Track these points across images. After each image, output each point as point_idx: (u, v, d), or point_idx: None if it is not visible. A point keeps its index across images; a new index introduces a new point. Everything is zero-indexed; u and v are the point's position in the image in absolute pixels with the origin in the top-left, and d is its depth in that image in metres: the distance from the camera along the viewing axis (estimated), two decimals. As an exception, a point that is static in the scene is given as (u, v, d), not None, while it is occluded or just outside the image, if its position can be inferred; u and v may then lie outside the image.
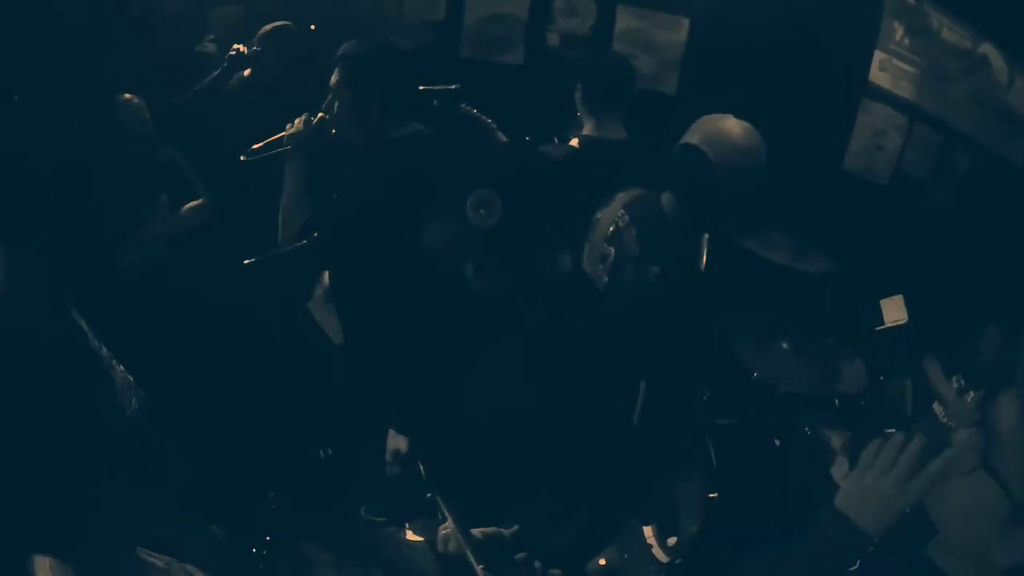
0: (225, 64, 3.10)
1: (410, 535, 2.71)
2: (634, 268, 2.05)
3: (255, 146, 2.35)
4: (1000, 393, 2.13)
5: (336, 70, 2.26)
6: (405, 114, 2.30)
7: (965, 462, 2.02)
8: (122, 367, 2.01)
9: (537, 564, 1.40)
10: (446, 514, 1.50)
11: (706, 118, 2.07)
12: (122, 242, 2.79)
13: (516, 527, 1.55)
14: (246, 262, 2.11)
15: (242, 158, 2.36)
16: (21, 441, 1.51)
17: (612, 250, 2.11)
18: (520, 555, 1.42)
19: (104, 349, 1.96)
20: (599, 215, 2.18)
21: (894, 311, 2.89)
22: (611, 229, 2.12)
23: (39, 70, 2.95)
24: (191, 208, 2.93)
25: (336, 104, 2.26)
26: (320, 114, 2.29)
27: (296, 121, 2.31)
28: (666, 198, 2.08)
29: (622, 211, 2.13)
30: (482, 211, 1.54)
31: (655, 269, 2.02)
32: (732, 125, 2.02)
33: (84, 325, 1.89)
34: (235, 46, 3.11)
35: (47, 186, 2.49)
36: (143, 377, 2.04)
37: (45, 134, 2.72)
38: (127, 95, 2.94)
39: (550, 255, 1.75)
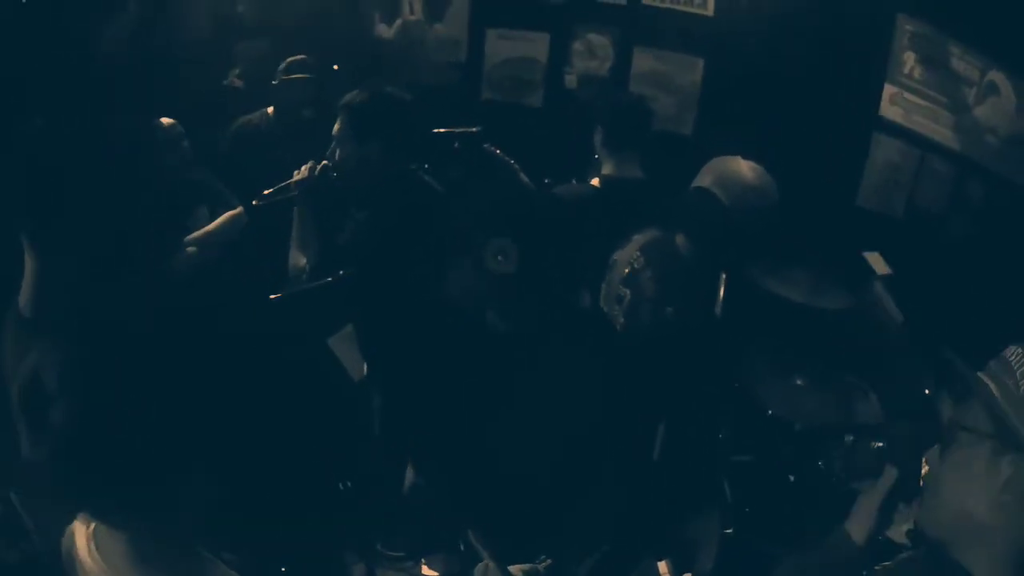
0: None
1: (425, 570, 2.73)
2: (650, 309, 2.09)
3: (266, 192, 2.46)
4: None
5: (338, 118, 2.38)
6: (410, 160, 2.38)
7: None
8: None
9: None
10: (481, 552, 1.53)
11: (715, 160, 2.12)
12: (169, 252, 2.89)
13: (548, 560, 1.59)
14: (272, 297, 2.19)
15: (255, 203, 2.47)
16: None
17: (628, 292, 2.15)
18: None
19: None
20: (616, 256, 2.22)
21: (879, 264, 2.88)
22: (627, 271, 2.16)
23: (74, 94, 3.06)
24: (229, 216, 3.05)
25: (338, 151, 2.38)
26: (324, 161, 2.41)
27: (303, 167, 2.44)
28: (680, 239, 2.12)
29: (638, 253, 2.17)
30: (500, 259, 1.60)
31: (671, 310, 2.05)
32: (742, 166, 2.07)
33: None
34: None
35: (84, 201, 2.59)
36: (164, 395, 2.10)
37: (81, 152, 2.83)
38: (165, 119, 3.05)
39: (569, 295, 1.80)
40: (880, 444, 2.16)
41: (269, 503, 2.54)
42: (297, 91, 3.17)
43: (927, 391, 2.40)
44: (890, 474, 1.36)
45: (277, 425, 2.64)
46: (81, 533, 1.11)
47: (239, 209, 3.07)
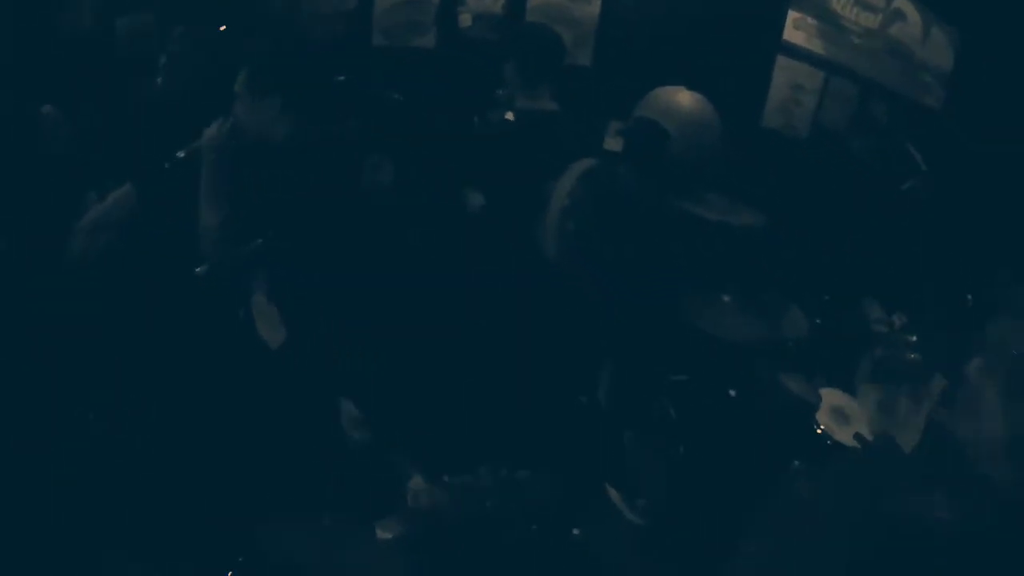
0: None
1: (380, 533, 2.68)
2: (589, 239, 2.07)
3: (179, 153, 2.44)
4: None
5: (239, 75, 2.39)
6: (312, 111, 2.35)
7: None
8: None
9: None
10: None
11: (659, 90, 2.09)
12: (66, 237, 2.75)
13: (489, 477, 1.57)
14: (197, 270, 2.15)
15: (166, 165, 2.40)
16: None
17: (569, 222, 2.13)
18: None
19: None
20: (554, 187, 2.19)
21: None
22: (567, 202, 2.13)
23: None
24: (118, 195, 2.92)
25: (240, 108, 2.39)
26: (231, 118, 2.41)
27: (212, 126, 2.43)
28: (620, 169, 2.11)
29: (576, 182, 2.15)
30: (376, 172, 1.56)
31: (614, 241, 2.04)
32: (686, 97, 2.05)
33: None
34: None
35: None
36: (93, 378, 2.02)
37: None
38: (46, 106, 2.89)
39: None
40: (915, 354, 2.21)
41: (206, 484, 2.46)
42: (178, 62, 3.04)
43: (967, 300, 2.46)
44: (939, 383, 1.36)
45: (212, 401, 2.55)
46: None
47: (126, 186, 2.94)
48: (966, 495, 1.20)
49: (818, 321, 2.91)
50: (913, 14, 3.47)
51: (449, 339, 2.03)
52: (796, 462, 2.35)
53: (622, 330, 2.23)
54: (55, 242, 2.76)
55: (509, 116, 2.50)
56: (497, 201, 2.47)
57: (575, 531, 2.68)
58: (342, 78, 2.56)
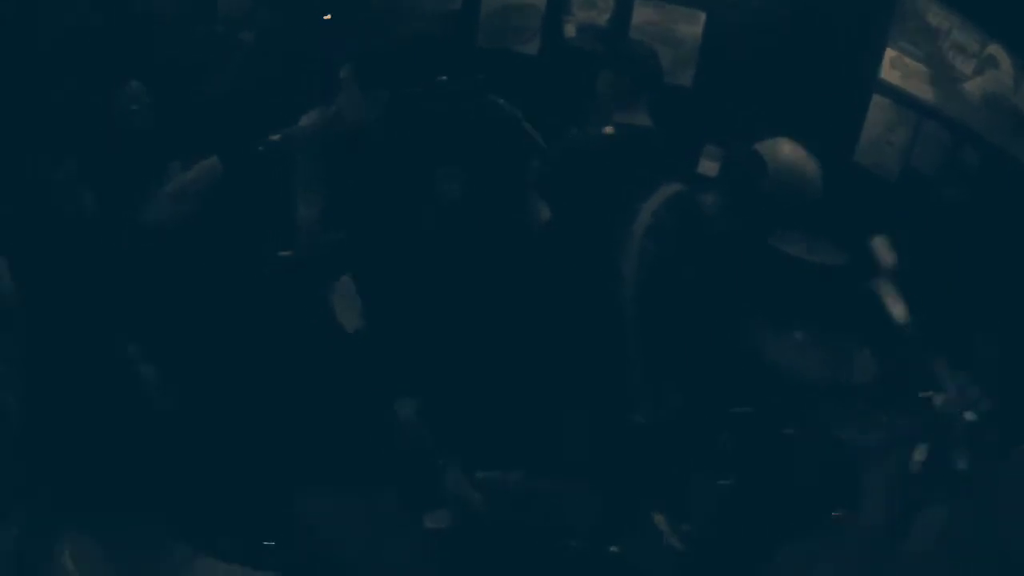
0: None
1: (429, 522, 2.74)
2: (669, 265, 2.08)
3: (273, 136, 2.42)
4: None
5: (344, 65, 2.39)
6: (415, 107, 2.38)
7: None
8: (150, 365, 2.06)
9: None
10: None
11: (779, 138, 2.12)
12: (144, 203, 2.83)
13: (520, 474, 1.61)
14: (283, 254, 2.20)
15: (260, 148, 2.44)
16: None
17: (649, 244, 2.14)
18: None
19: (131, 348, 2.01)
20: (640, 208, 2.20)
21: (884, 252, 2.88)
22: (651, 222, 2.14)
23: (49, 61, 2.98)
24: (202, 165, 2.98)
25: (345, 98, 2.40)
26: (333, 108, 2.42)
27: (311, 113, 2.46)
28: (709, 197, 2.12)
29: (662, 207, 2.16)
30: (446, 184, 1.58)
31: (690, 268, 2.04)
32: (799, 150, 2.08)
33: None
34: None
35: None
36: (163, 356, 2.09)
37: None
38: (133, 82, 2.98)
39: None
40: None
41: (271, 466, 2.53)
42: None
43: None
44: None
45: (271, 383, 2.63)
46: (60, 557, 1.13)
47: (213, 159, 3.01)
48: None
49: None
50: (1005, 61, 3.36)
51: (514, 347, 2.06)
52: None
53: (688, 356, 2.22)
54: (138, 207, 2.85)
55: (609, 130, 2.49)
56: (579, 216, 2.47)
57: (613, 548, 2.69)
58: (444, 78, 2.57)
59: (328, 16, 3.26)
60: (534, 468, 1.91)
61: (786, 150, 2.05)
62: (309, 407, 2.62)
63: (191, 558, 1.56)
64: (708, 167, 3.26)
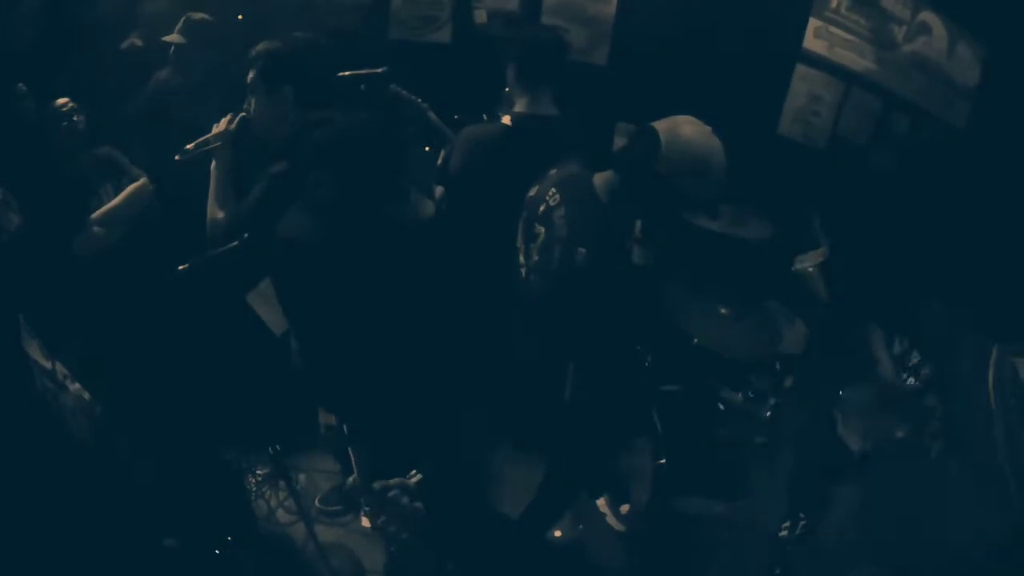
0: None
1: (365, 521, 2.73)
2: (561, 249, 2.03)
3: (188, 146, 2.43)
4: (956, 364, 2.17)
5: (250, 68, 2.37)
6: (323, 104, 2.34)
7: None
8: (77, 385, 2.02)
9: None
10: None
11: (682, 116, 1.99)
12: (76, 231, 2.79)
13: (418, 475, 1.59)
14: (180, 268, 2.16)
15: (176, 158, 2.42)
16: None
17: (542, 229, 2.10)
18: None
19: (57, 366, 1.96)
20: (532, 192, 2.17)
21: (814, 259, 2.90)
22: (542, 208, 2.10)
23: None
24: (134, 189, 2.94)
25: (252, 101, 2.38)
26: (242, 112, 2.41)
27: (222, 120, 2.43)
28: (602, 177, 2.05)
29: (553, 189, 2.11)
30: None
31: (582, 250, 1.99)
32: (697, 127, 1.96)
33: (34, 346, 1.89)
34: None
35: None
36: (98, 376, 2.05)
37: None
38: (61, 99, 2.92)
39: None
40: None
41: (205, 469, 2.51)
42: (186, 53, 3.05)
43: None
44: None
45: (202, 388, 2.60)
46: None
47: (143, 180, 2.96)
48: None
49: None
50: (939, 28, 3.38)
51: (432, 340, 2.03)
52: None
53: (612, 337, 2.20)
54: (69, 234, 2.79)
55: (505, 120, 2.47)
56: (475, 206, 2.45)
57: (556, 533, 2.70)
58: (381, 70, 2.49)
59: (240, 16, 3.21)
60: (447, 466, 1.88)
61: (684, 127, 1.96)
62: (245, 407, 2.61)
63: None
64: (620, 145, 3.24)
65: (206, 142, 2.40)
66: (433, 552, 1.63)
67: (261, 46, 2.38)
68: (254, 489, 2.84)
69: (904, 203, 3.33)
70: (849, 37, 3.48)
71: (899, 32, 3.44)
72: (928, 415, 2.16)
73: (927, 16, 3.40)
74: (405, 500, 1.48)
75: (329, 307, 2.02)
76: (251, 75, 2.36)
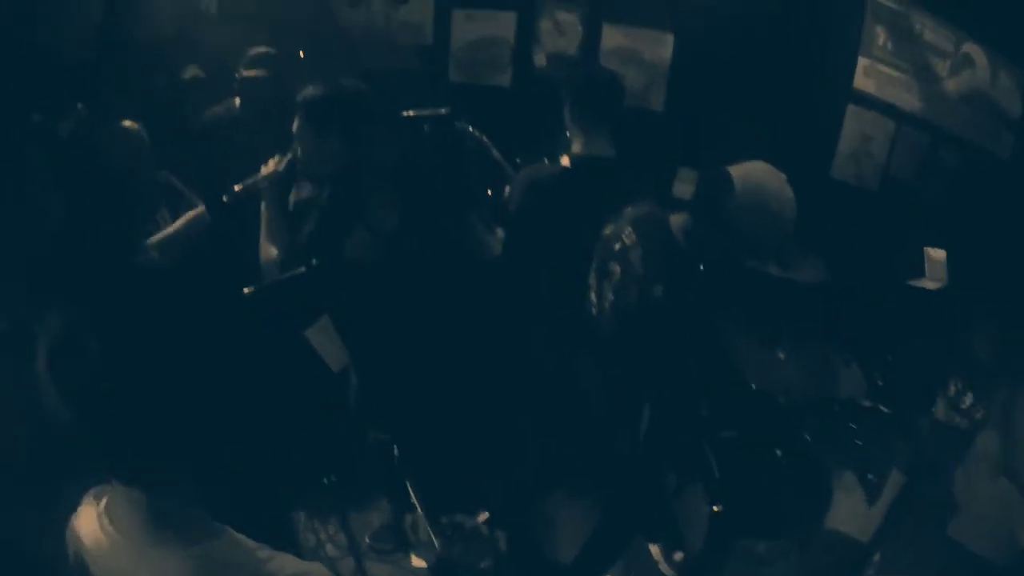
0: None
1: (415, 561, 2.71)
2: (638, 288, 2.04)
3: (236, 187, 2.46)
4: (1017, 395, 2.13)
5: (296, 115, 2.38)
6: (374, 148, 2.37)
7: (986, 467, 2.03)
8: None
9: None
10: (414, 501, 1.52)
11: (757, 161, 2.00)
12: (132, 254, 2.83)
13: (486, 514, 1.57)
14: (246, 291, 2.17)
15: (225, 199, 2.46)
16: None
17: (617, 267, 2.10)
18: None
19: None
20: (607, 230, 2.17)
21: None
22: (617, 246, 2.11)
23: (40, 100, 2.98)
24: (190, 217, 2.99)
25: (299, 147, 2.39)
26: (289, 155, 2.43)
27: (270, 162, 2.46)
28: (677, 218, 2.06)
29: (629, 228, 2.11)
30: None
31: (659, 288, 1.99)
32: (774, 175, 1.96)
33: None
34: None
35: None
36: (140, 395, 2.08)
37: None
38: (127, 123, 2.97)
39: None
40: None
41: (252, 506, 2.51)
42: (257, 86, 3.11)
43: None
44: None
45: (259, 421, 2.62)
46: (89, 515, 1.14)
47: (200, 208, 3.01)
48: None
49: (880, 383, 2.83)
50: (981, 58, 3.35)
51: (493, 379, 2.03)
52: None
53: (671, 381, 2.19)
54: (125, 255, 2.84)
55: (564, 161, 2.48)
56: (537, 245, 2.45)
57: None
58: (444, 111, 2.53)
59: (302, 54, 3.28)
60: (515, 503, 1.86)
61: (758, 171, 1.97)
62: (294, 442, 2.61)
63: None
64: (682, 190, 3.27)
65: (255, 184, 2.43)
66: None
67: (308, 91, 2.37)
68: (303, 523, 2.84)
69: (956, 237, 3.29)
70: (896, 74, 3.47)
71: (943, 66, 3.43)
72: None
73: (970, 48, 3.39)
74: (485, 530, 1.47)
75: (392, 333, 2.03)
76: (297, 122, 2.37)
